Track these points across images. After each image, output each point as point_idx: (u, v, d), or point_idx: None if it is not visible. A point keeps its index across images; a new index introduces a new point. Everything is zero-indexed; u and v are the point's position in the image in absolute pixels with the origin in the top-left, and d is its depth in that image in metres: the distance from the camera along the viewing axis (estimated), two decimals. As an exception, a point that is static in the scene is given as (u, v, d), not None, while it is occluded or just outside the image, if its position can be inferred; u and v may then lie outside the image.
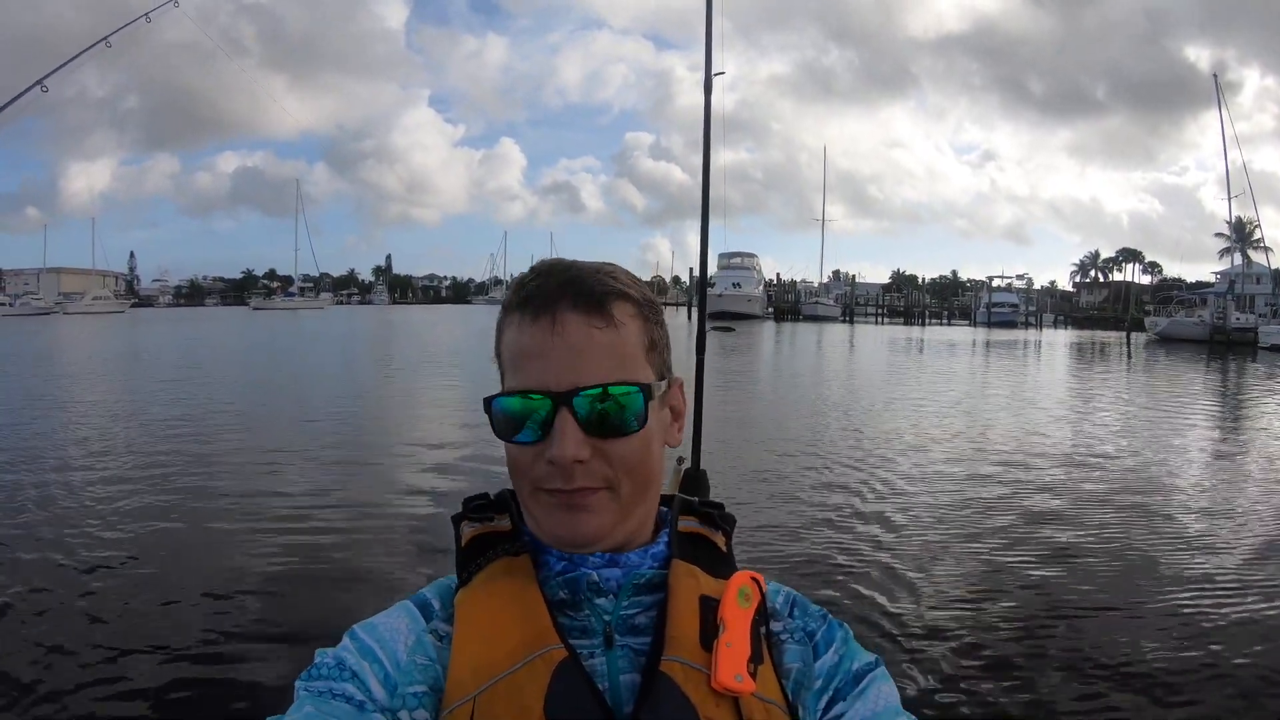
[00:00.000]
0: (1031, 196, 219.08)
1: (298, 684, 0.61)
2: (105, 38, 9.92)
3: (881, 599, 4.26)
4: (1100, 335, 49.90)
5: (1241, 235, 50.10)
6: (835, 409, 12.97)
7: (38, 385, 14.87)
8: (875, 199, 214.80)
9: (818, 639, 0.68)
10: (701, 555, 0.70)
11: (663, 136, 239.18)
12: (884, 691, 0.65)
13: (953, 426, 10.76)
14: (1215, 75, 46.66)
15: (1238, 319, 39.59)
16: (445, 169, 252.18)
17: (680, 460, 4.31)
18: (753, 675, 0.61)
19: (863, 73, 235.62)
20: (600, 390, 0.63)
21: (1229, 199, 42.44)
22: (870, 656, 0.68)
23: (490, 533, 0.70)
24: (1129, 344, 37.67)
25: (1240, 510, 6.36)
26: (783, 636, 0.68)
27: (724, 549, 0.72)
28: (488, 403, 0.67)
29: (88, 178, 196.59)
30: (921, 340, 37.16)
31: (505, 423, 0.65)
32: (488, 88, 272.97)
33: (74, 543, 5.05)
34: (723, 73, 4.89)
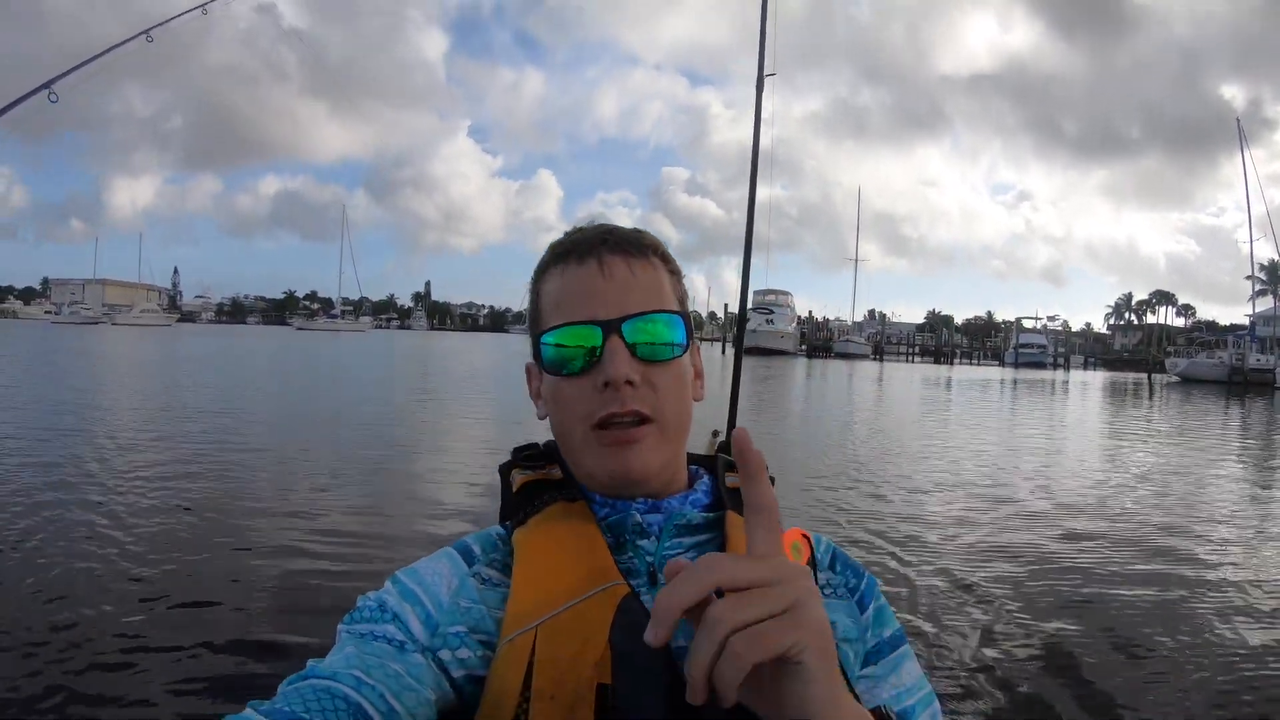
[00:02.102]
0: (1067, 237, 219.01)
1: (340, 627, 0.64)
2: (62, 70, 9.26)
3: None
4: (1124, 376, 51.38)
5: (1274, 277, 51.16)
6: (858, 428, 15.26)
7: (145, 386, 16.71)
8: (910, 238, 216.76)
9: (860, 595, 0.72)
10: None
11: (698, 172, 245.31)
12: (912, 663, 0.70)
13: (953, 448, 12.18)
14: (1238, 120, 47.84)
15: (1259, 360, 40.88)
16: (483, 198, 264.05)
17: (715, 433, 4.43)
18: None
19: (896, 112, 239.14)
20: (646, 316, 0.68)
21: (1250, 241, 43.85)
22: (898, 622, 0.72)
23: (542, 479, 0.74)
24: (1150, 384, 39.14)
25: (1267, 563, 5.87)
26: (826, 591, 0.71)
27: None
28: (537, 340, 0.72)
29: (131, 193, 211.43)
30: (949, 378, 38.72)
31: (556, 355, 0.69)
32: (526, 120, 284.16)
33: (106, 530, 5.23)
34: (774, 74, 4.85)
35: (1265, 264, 50.01)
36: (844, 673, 0.62)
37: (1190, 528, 6.75)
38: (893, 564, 5.26)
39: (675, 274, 0.75)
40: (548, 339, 0.70)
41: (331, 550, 5.03)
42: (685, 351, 0.72)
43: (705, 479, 0.77)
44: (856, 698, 0.61)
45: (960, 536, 6.10)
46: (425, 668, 0.60)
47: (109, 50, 10.09)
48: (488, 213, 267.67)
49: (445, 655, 0.63)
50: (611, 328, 0.67)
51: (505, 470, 0.77)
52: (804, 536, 0.72)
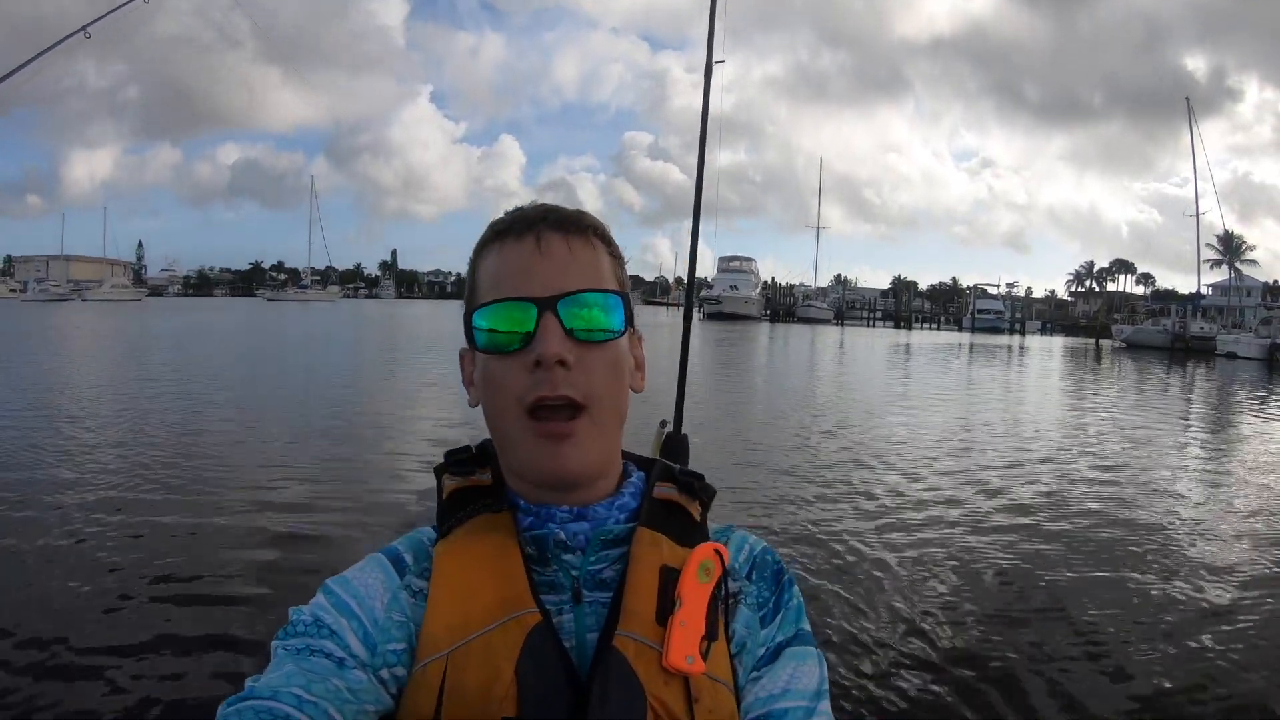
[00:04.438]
0: (1030, 204, 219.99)
1: (275, 644, 0.61)
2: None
3: (837, 588, 4.23)
4: (1075, 342, 52.99)
5: (1229, 249, 52.76)
6: (813, 388, 16.11)
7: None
8: (873, 203, 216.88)
9: (767, 609, 0.69)
10: (673, 523, 0.70)
11: (660, 137, 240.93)
12: (809, 667, 0.67)
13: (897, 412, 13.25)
14: (1188, 99, 48.89)
15: (1202, 328, 42.35)
16: (445, 165, 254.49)
17: (663, 423, 4.21)
18: (704, 654, 0.61)
19: (856, 75, 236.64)
20: (582, 295, 0.65)
21: (1197, 215, 45.41)
22: (806, 630, 0.70)
23: (471, 486, 0.71)
24: (1097, 349, 40.46)
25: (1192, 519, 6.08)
26: (734, 600, 0.68)
27: (697, 518, 0.72)
28: (468, 316, 0.68)
29: (89, 166, 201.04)
30: (907, 344, 39.34)
31: (489, 333, 0.66)
32: (487, 85, 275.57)
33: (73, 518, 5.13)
34: (723, 61, 4.77)
35: (1220, 234, 51.42)
36: (735, 680, 0.65)
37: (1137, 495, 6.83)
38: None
39: (616, 258, 0.73)
40: (480, 315, 0.67)
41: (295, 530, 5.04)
42: (623, 335, 0.69)
43: (634, 477, 0.74)
44: (738, 702, 0.64)
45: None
46: (366, 683, 0.60)
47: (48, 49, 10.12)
48: (449, 179, 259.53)
49: (384, 674, 0.62)
50: (546, 305, 0.65)
51: (439, 472, 0.74)
52: (716, 552, 0.67)
